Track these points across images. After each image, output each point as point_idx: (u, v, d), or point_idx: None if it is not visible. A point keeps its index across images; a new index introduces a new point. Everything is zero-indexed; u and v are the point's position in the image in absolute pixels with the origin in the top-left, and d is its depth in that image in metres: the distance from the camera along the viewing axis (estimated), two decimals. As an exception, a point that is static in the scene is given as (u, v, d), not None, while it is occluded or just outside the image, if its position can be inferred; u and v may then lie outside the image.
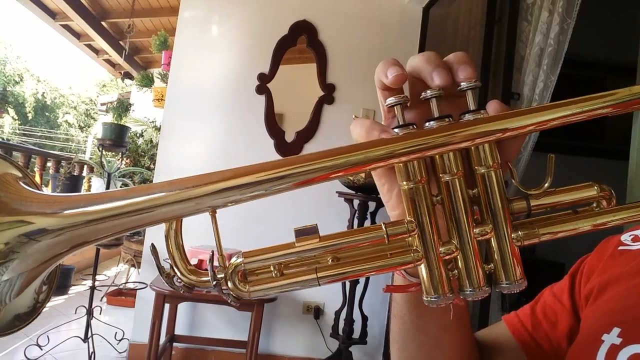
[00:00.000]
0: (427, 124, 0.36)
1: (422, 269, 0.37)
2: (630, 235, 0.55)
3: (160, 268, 0.36)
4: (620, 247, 0.54)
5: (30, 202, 0.34)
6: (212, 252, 0.35)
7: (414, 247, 0.37)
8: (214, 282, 0.35)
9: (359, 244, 0.36)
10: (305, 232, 0.35)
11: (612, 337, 0.43)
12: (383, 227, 0.36)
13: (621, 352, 0.42)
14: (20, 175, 0.35)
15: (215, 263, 0.35)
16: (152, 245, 0.37)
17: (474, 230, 0.37)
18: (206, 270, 0.36)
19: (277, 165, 0.33)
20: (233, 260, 0.36)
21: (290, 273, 0.36)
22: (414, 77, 0.39)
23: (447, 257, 0.37)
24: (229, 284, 0.36)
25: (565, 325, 0.57)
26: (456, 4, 2.64)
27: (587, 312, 0.53)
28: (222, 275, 0.36)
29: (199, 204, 0.33)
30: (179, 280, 0.37)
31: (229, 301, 0.35)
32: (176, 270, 0.36)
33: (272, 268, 0.37)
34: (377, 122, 0.39)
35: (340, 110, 2.96)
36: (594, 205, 0.39)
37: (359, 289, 2.62)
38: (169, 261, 0.36)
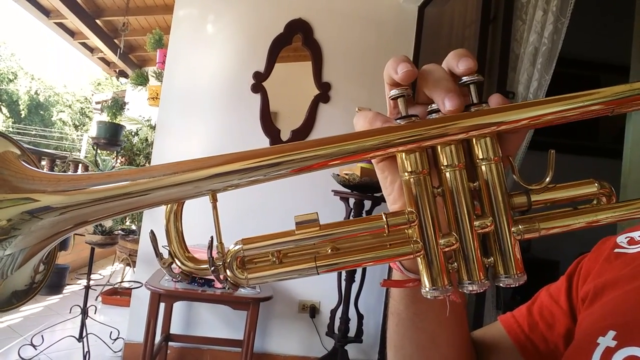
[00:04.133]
0: (429, 116, 0.37)
1: (422, 261, 0.37)
2: (626, 238, 0.54)
3: (158, 254, 0.36)
4: (617, 250, 0.54)
5: (33, 180, 0.34)
6: (212, 237, 0.35)
7: (414, 239, 0.37)
8: (212, 269, 0.35)
9: (358, 233, 0.36)
10: (306, 222, 0.35)
11: (607, 340, 0.43)
12: (383, 217, 0.36)
13: (616, 354, 0.41)
14: (19, 153, 0.36)
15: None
16: (152, 231, 0.37)
17: (474, 223, 0.37)
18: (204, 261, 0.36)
19: (278, 151, 0.34)
20: (232, 247, 0.36)
21: (289, 261, 0.36)
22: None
23: (446, 249, 0.37)
24: (227, 271, 0.36)
25: (562, 327, 0.57)
26: (451, 3, 2.65)
27: (583, 316, 0.53)
28: (221, 263, 0.36)
29: (201, 186, 0.33)
30: (176, 268, 0.37)
31: (226, 288, 0.35)
32: (174, 257, 0.36)
33: (271, 256, 0.36)
34: (380, 113, 0.39)
35: (336, 109, 2.96)
36: (594, 202, 0.39)
37: (355, 287, 2.62)
38: (168, 248, 0.36)
